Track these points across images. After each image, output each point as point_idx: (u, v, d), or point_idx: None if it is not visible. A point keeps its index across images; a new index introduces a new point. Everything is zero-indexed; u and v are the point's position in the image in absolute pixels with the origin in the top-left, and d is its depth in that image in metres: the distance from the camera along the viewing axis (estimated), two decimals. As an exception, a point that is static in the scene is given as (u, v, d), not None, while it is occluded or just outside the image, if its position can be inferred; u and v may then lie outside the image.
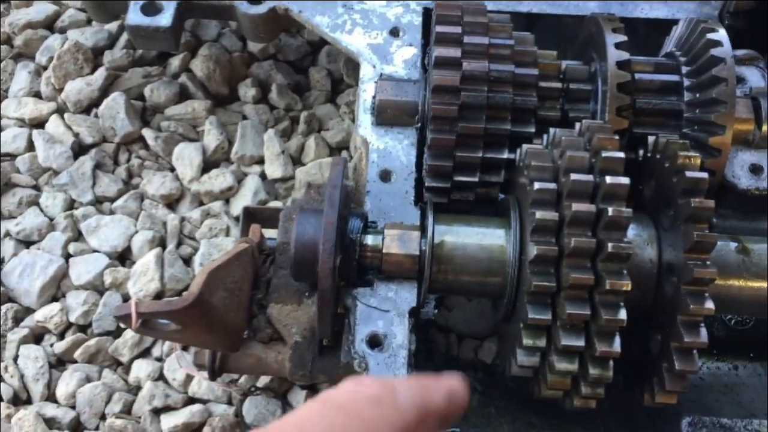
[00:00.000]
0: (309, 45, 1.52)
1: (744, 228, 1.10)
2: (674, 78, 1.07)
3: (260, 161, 1.37)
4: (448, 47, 1.02)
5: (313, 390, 1.16)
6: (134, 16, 1.23)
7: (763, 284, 0.95)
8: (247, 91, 1.44)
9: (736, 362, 1.12)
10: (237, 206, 1.30)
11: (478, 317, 1.20)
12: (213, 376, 1.03)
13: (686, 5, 1.25)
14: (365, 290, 0.98)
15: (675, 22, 1.17)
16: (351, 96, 1.45)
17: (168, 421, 1.13)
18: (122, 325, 1.18)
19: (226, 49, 1.48)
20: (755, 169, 1.08)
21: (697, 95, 1.04)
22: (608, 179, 0.84)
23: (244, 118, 1.41)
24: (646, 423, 1.04)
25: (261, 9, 1.24)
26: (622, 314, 0.84)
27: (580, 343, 0.85)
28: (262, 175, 1.35)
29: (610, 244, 0.82)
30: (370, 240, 0.97)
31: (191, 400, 1.16)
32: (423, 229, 0.98)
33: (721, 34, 1.04)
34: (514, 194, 0.97)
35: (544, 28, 1.26)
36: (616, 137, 0.89)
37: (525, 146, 0.95)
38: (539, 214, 0.85)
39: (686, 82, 1.06)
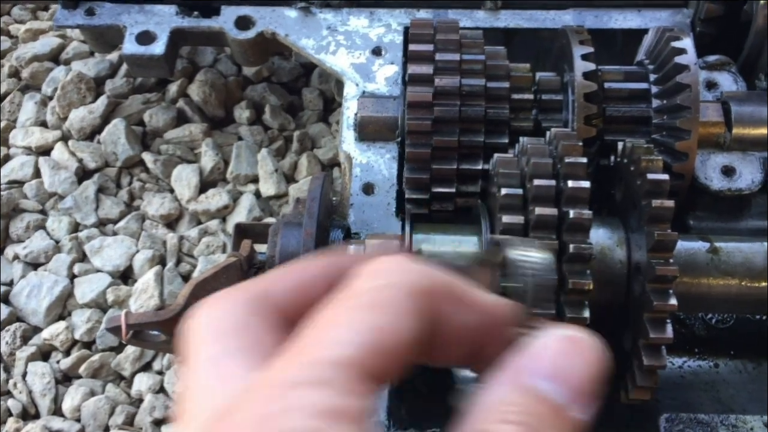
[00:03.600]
0: (302, 67, 1.58)
1: (720, 228, 1.13)
2: (642, 86, 1.10)
3: (255, 180, 1.42)
4: (421, 64, 1.07)
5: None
6: (130, 46, 1.29)
7: (731, 281, 0.98)
8: (242, 113, 1.50)
9: (717, 360, 1.14)
10: (233, 224, 1.35)
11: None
12: (207, 386, 1.08)
13: (659, 14, 1.29)
14: (348, 299, 1.02)
15: (648, 31, 1.21)
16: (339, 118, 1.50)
17: (169, 431, 1.18)
18: (114, 337, 1.23)
19: (222, 73, 1.54)
20: (727, 171, 1.11)
21: (664, 102, 1.08)
22: (570, 183, 0.88)
23: (240, 139, 1.47)
24: (628, 422, 1.06)
25: (249, 34, 1.30)
26: (586, 313, 0.87)
27: (549, 341, 0.88)
28: (257, 193, 1.41)
29: (572, 246, 0.86)
30: (351, 250, 1.02)
31: (190, 411, 1.20)
32: (403, 238, 1.02)
33: (686, 42, 1.08)
34: (486, 202, 1.01)
35: (522, 42, 1.30)
36: (580, 144, 0.93)
37: (496, 155, 0.99)
38: (505, 219, 0.89)
39: (654, 90, 1.09)
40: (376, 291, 0.41)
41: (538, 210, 0.88)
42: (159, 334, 0.93)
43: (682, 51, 1.07)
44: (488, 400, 0.40)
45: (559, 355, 0.42)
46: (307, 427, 0.34)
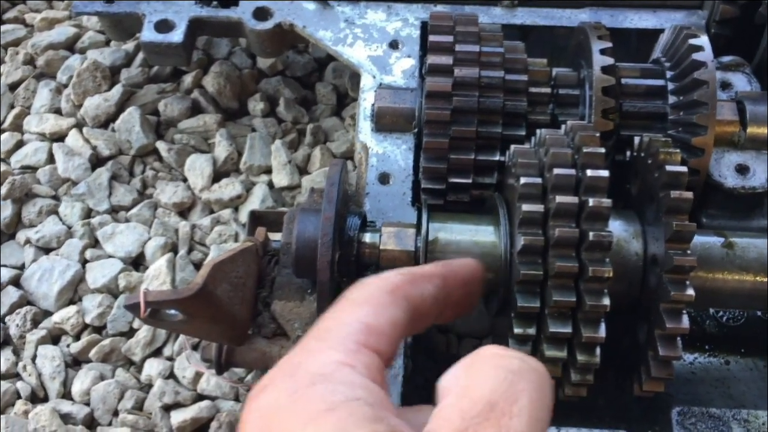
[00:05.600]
0: (316, 62, 1.58)
1: (733, 226, 1.13)
2: (659, 82, 1.11)
3: (268, 171, 1.43)
4: (441, 55, 1.07)
5: (317, 387, 1.21)
6: (148, 33, 1.30)
7: (746, 277, 0.98)
8: (256, 105, 1.50)
9: (728, 357, 1.14)
10: (245, 213, 1.36)
11: (477, 317, 1.24)
12: (220, 370, 1.08)
13: (674, 15, 1.30)
14: (364, 286, 1.02)
15: (663, 31, 1.22)
16: (356, 109, 1.50)
17: (177, 416, 1.18)
18: (132, 315, 1.22)
19: (237, 66, 1.55)
20: (741, 169, 1.12)
21: (681, 98, 1.08)
22: (589, 172, 0.88)
23: (253, 130, 1.48)
24: (639, 415, 1.07)
25: (267, 25, 1.30)
26: (606, 301, 0.87)
27: (567, 330, 0.89)
28: (270, 184, 1.41)
29: (591, 233, 0.86)
30: (368, 237, 1.02)
31: (200, 397, 1.20)
32: (418, 227, 1.02)
33: (703, 40, 1.09)
34: (503, 193, 1.02)
35: (537, 39, 1.31)
36: (597, 134, 0.94)
37: (513, 146, 0.99)
38: (525, 207, 0.90)
39: (670, 86, 1.10)
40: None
41: (559, 198, 0.88)
42: (176, 313, 0.93)
43: (699, 48, 1.08)
44: None
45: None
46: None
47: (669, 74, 1.12)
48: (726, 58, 1.21)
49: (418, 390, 1.11)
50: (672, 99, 1.10)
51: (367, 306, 0.56)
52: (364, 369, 0.52)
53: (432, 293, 0.62)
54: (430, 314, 0.62)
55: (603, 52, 1.08)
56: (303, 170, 1.44)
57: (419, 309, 0.59)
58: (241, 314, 1.02)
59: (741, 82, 1.20)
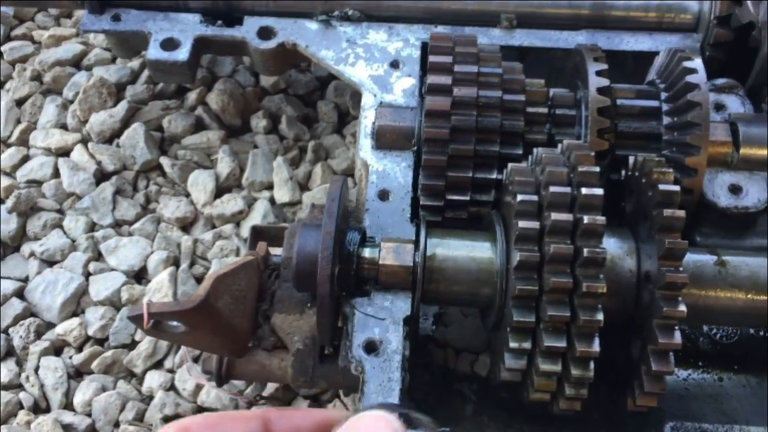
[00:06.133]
0: (317, 80, 1.61)
1: (726, 245, 1.15)
2: (653, 104, 1.14)
3: (269, 187, 1.45)
4: (441, 75, 1.10)
5: (315, 400, 1.22)
6: (154, 51, 1.33)
7: (738, 294, 1.00)
8: (258, 122, 1.53)
9: (721, 374, 1.16)
10: (247, 228, 1.38)
11: (474, 333, 1.25)
12: (220, 382, 1.10)
13: (669, 38, 1.33)
14: (363, 300, 1.04)
15: (658, 54, 1.25)
16: (356, 127, 1.53)
17: (178, 428, 1.19)
18: (135, 327, 1.24)
19: (240, 84, 1.58)
20: (734, 189, 1.14)
21: (675, 119, 1.11)
22: (584, 191, 0.91)
23: (256, 147, 1.50)
24: (633, 429, 1.08)
25: (271, 44, 1.33)
26: (600, 316, 0.89)
27: (562, 344, 0.91)
28: (271, 200, 1.43)
29: (586, 250, 0.89)
30: (367, 252, 1.04)
31: (200, 409, 1.22)
32: (417, 242, 1.04)
33: (697, 63, 1.12)
34: (500, 211, 1.04)
35: (535, 61, 1.34)
36: (592, 154, 0.96)
37: (510, 165, 1.02)
38: (522, 224, 0.92)
39: (665, 107, 1.13)
40: None
41: (554, 216, 0.91)
42: (178, 325, 0.95)
43: (693, 71, 1.11)
44: None
45: None
46: None
47: (663, 96, 1.14)
48: (720, 81, 1.24)
49: (417, 403, 1.13)
50: (666, 120, 1.13)
51: None
52: None
53: None
54: None
55: (599, 73, 1.11)
56: (304, 186, 1.47)
57: None
58: (242, 327, 1.04)
59: (734, 103, 1.23)
